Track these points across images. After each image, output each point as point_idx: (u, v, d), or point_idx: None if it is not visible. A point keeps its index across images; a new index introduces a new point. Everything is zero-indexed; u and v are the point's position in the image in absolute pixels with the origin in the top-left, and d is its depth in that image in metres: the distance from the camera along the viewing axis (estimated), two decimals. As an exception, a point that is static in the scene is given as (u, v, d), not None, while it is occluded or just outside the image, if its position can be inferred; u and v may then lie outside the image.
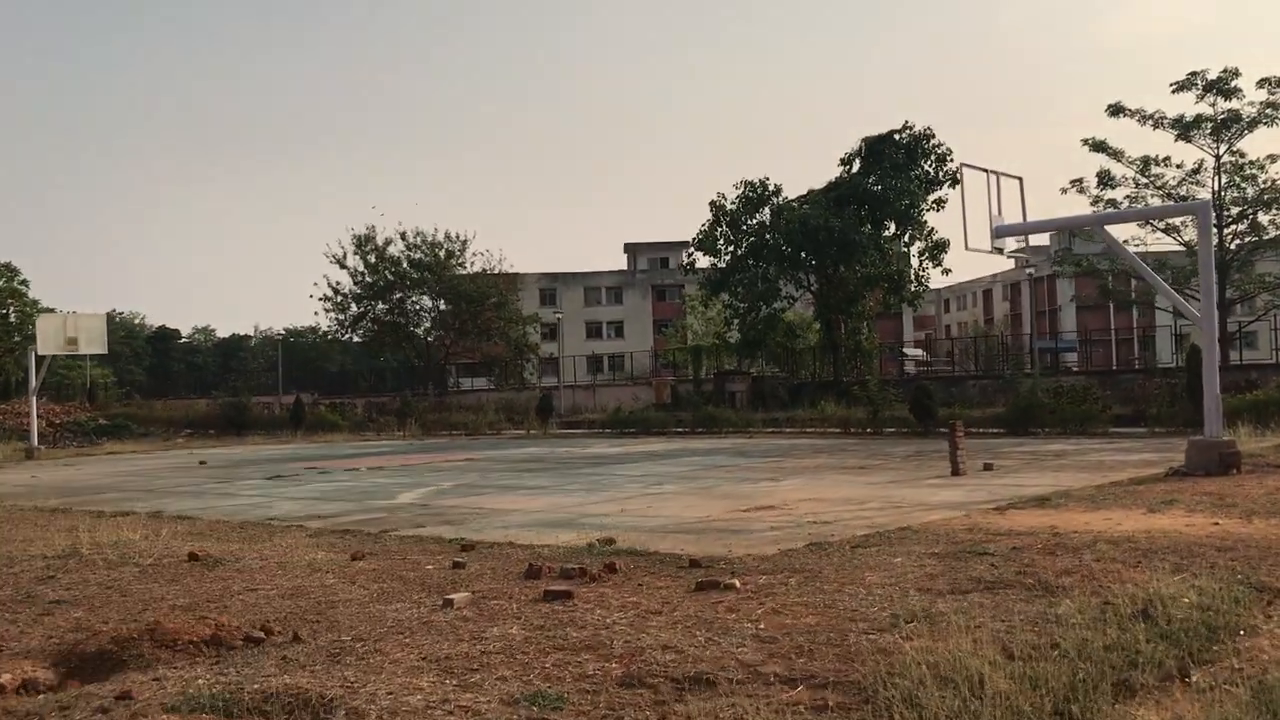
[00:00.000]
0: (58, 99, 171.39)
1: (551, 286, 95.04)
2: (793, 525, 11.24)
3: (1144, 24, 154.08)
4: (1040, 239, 67.40)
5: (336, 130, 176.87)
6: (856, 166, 41.97)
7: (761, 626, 6.34)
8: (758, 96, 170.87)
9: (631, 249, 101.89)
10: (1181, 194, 38.64)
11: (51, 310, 58.98)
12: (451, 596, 7.19)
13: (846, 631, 6.17)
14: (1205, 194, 38.59)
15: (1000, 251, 17.15)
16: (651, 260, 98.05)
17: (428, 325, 60.38)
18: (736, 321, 43.94)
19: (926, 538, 9.86)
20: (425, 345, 60.57)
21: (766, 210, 42.59)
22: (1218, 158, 39.06)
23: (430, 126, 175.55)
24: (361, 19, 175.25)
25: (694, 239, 43.53)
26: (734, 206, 42.51)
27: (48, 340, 33.61)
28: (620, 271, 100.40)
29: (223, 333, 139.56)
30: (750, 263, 42.23)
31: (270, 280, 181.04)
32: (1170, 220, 38.48)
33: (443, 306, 59.28)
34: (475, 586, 7.92)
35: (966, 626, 6.19)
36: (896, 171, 40.11)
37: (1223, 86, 38.16)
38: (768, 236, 41.91)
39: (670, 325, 74.22)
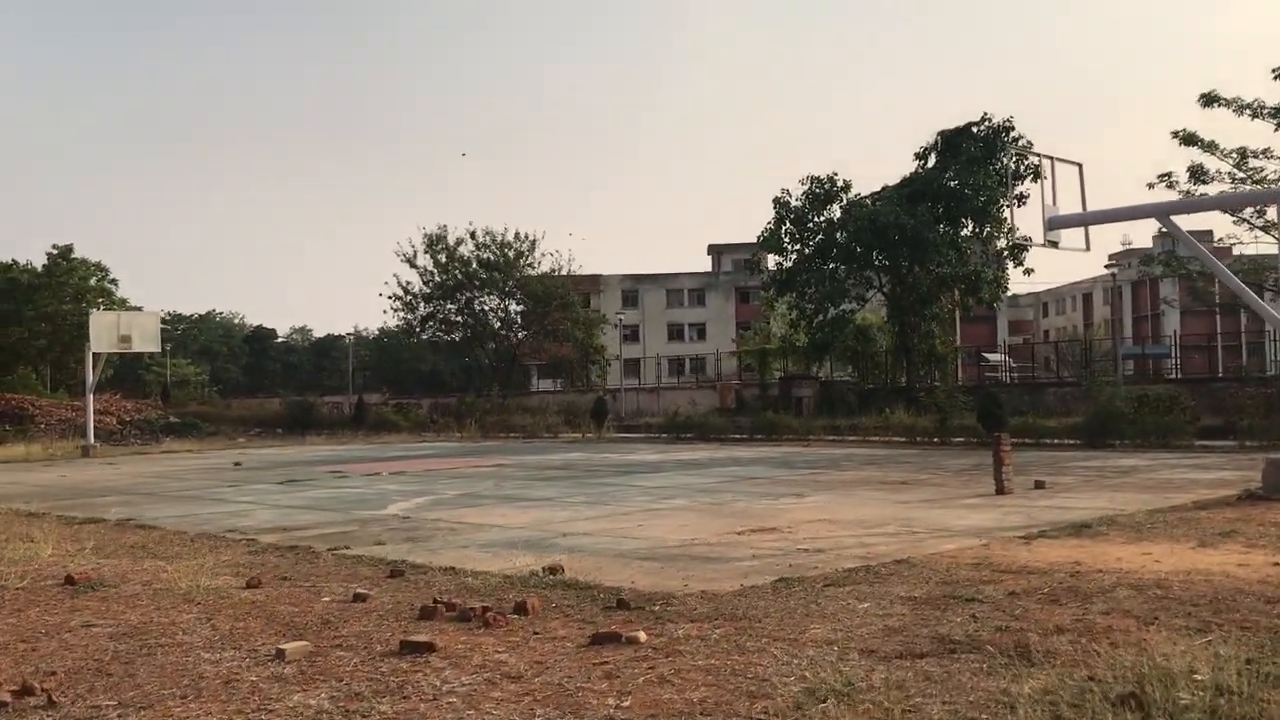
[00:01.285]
0: (164, 103, 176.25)
1: (634, 288, 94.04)
2: (780, 554, 9.83)
3: (1246, 22, 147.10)
4: (1143, 240, 64.18)
5: (427, 132, 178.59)
6: (932, 161, 39.74)
7: (627, 704, 4.98)
8: (842, 91, 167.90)
9: (715, 250, 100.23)
10: (1283, 189, 35.67)
11: (139, 309, 59.76)
12: (285, 647, 5.97)
13: (733, 715, 4.80)
14: (1312, 188, 35.58)
15: (1055, 245, 15.40)
16: (736, 262, 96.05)
17: (497, 325, 59.71)
18: (804, 323, 41.99)
19: (919, 574, 8.39)
20: (495, 346, 59.96)
21: (835, 207, 40.58)
22: (1325, 149, 36.05)
23: (517, 129, 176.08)
24: (448, 18, 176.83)
25: (759, 237, 41.70)
26: (799, 203, 40.60)
27: (101, 337, 33.60)
28: (703, 273, 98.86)
29: (320, 333, 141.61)
30: (817, 262, 40.33)
31: (367, 282, 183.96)
32: (1271, 218, 35.59)
33: (513, 307, 58.65)
34: (345, 629, 6.71)
35: (889, 710, 4.77)
36: (974, 166, 37.83)
37: (1333, 71, 35.16)
38: (836, 234, 39.96)
39: (752, 328, 72.49)
